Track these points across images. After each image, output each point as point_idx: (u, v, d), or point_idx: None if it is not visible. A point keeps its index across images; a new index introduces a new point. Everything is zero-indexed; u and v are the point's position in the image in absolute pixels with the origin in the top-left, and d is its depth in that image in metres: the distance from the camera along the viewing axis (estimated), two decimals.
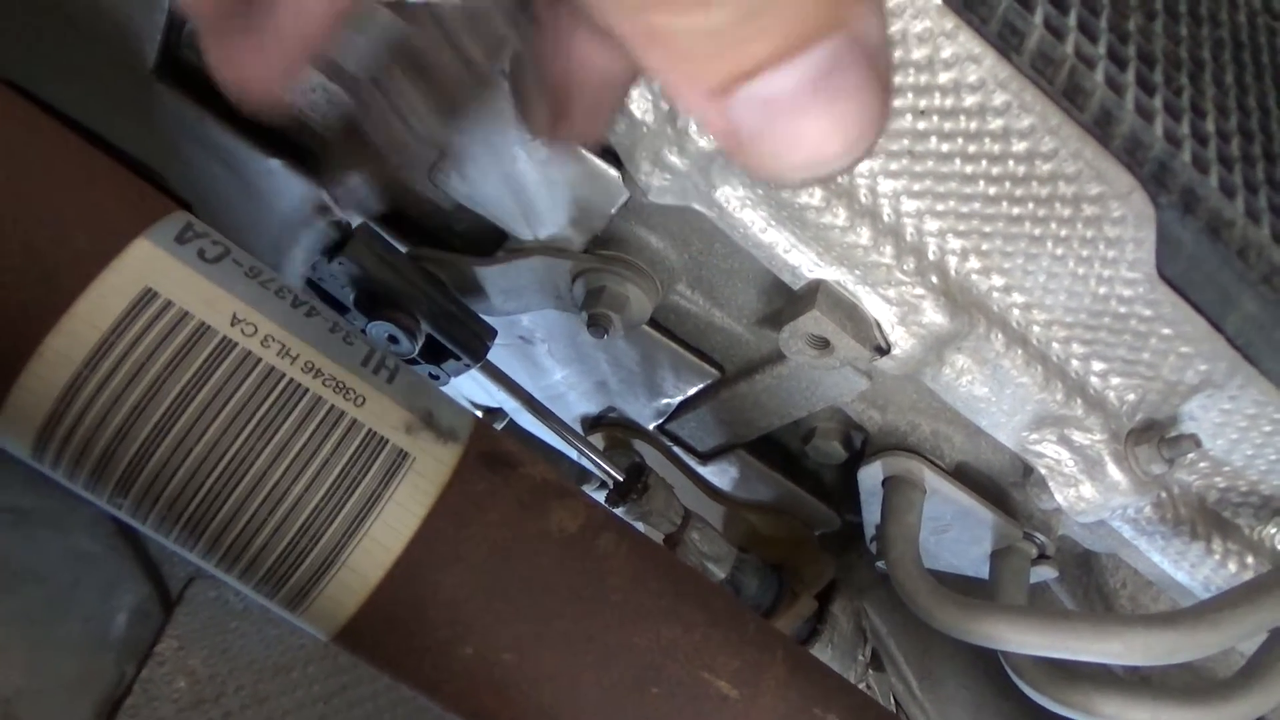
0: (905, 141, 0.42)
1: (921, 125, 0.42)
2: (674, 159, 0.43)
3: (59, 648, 0.46)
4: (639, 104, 0.42)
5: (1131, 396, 0.50)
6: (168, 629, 0.50)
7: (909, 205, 0.44)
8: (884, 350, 0.47)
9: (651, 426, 0.68)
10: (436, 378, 0.56)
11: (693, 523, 0.63)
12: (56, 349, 0.28)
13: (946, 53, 0.40)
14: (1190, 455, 0.50)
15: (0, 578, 0.43)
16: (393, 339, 0.52)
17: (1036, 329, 0.48)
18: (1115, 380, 0.49)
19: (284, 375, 0.30)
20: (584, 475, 0.70)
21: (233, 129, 0.52)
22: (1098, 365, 0.49)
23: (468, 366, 0.55)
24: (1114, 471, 0.50)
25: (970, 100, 0.41)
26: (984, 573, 0.63)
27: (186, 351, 0.29)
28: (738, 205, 0.45)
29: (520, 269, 0.53)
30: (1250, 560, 0.55)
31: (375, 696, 0.55)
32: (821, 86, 0.17)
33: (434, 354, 0.54)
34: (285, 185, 0.53)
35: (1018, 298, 0.47)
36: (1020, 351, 0.48)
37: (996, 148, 0.42)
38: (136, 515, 0.30)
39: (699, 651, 0.34)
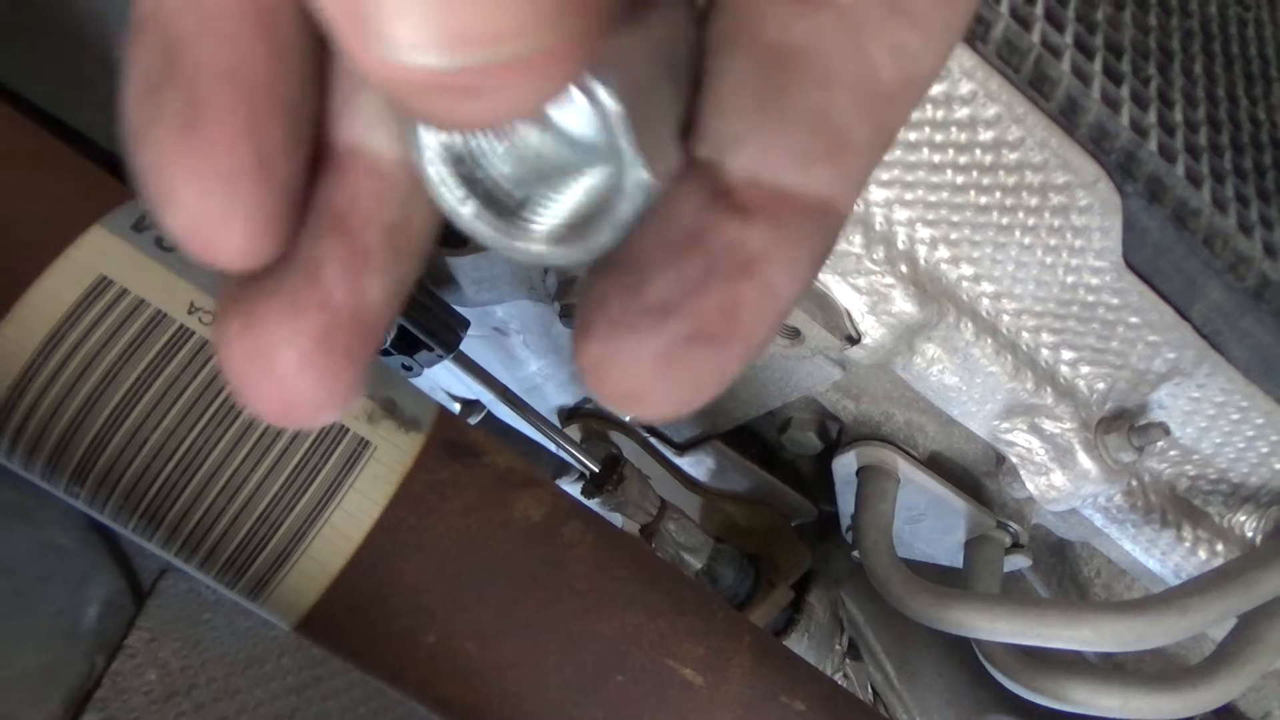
0: None
1: None
2: None
3: (29, 640, 0.46)
4: None
5: (1101, 385, 0.50)
6: (139, 621, 0.50)
7: (878, 195, 0.44)
8: (854, 339, 0.47)
9: (628, 417, 0.68)
10: (409, 369, 0.55)
11: (669, 513, 0.63)
12: (9, 337, 0.28)
13: None
14: (1160, 443, 0.50)
15: None
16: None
17: (1006, 318, 0.48)
18: (1084, 369, 0.50)
19: None
20: (563, 467, 0.70)
21: None
22: (1067, 354, 0.49)
23: (440, 357, 0.55)
24: (1084, 460, 0.51)
25: (936, 90, 0.41)
26: (958, 561, 0.63)
27: (142, 340, 0.29)
28: None
29: (493, 259, 0.53)
30: (1220, 547, 0.55)
31: (350, 688, 0.55)
32: None
33: (406, 345, 0.54)
34: None
35: (987, 287, 0.47)
36: (990, 340, 0.48)
37: (963, 137, 0.42)
38: (93, 504, 0.30)
39: (664, 639, 0.35)
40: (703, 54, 0.17)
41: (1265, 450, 0.52)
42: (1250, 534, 0.56)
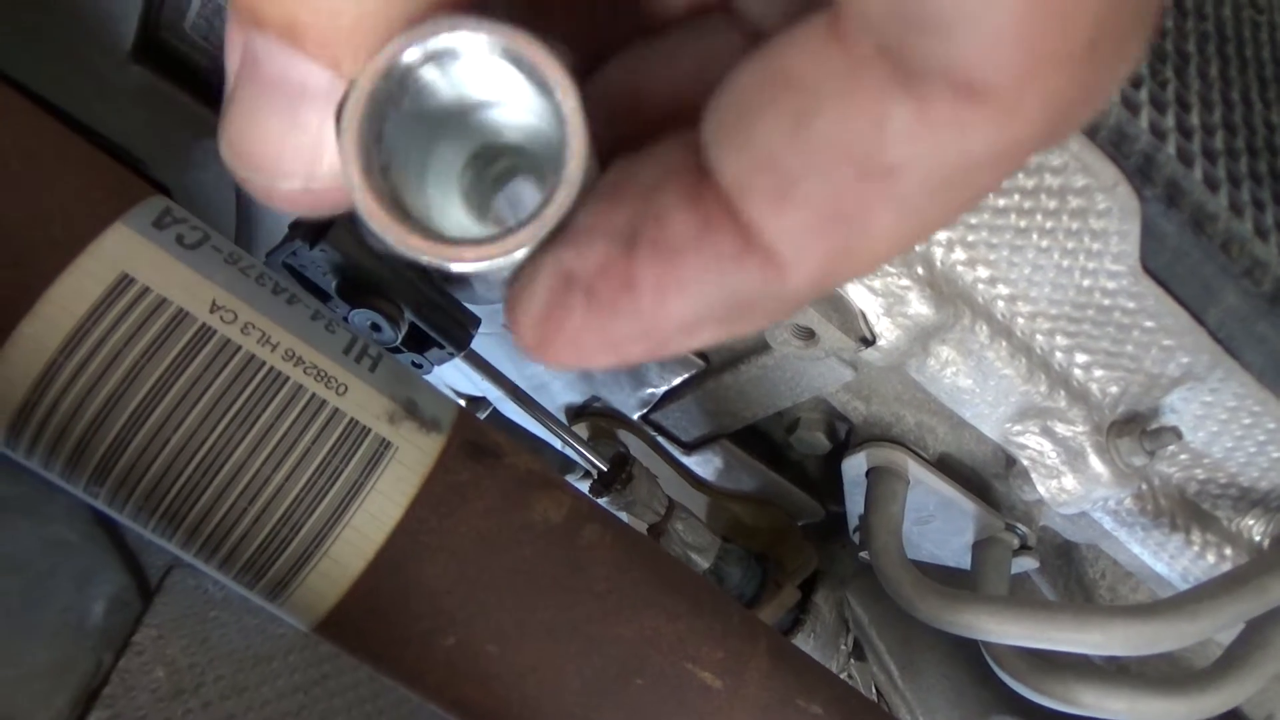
0: None
1: None
2: None
3: (36, 637, 0.46)
4: None
5: (1114, 389, 0.50)
6: (146, 618, 0.49)
7: None
8: (869, 341, 0.47)
9: (636, 416, 0.67)
10: (420, 366, 0.55)
11: (677, 513, 0.63)
12: (31, 335, 0.28)
13: None
14: (1171, 447, 0.50)
15: None
16: (375, 327, 0.51)
17: (1021, 321, 0.48)
18: (1098, 372, 0.49)
19: (264, 363, 0.30)
20: (568, 465, 0.70)
21: (211, 110, 0.52)
22: (1081, 357, 0.49)
23: (451, 355, 0.54)
24: (1096, 463, 0.51)
25: None
26: (966, 563, 0.63)
27: (164, 338, 0.28)
28: None
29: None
30: (1229, 551, 0.55)
31: (356, 686, 0.54)
32: None
33: (417, 342, 0.53)
34: None
35: (1003, 289, 0.47)
36: (1004, 343, 0.48)
37: None
38: (113, 504, 0.30)
39: (683, 642, 0.34)
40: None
41: (1276, 455, 0.52)
42: (1259, 538, 0.56)
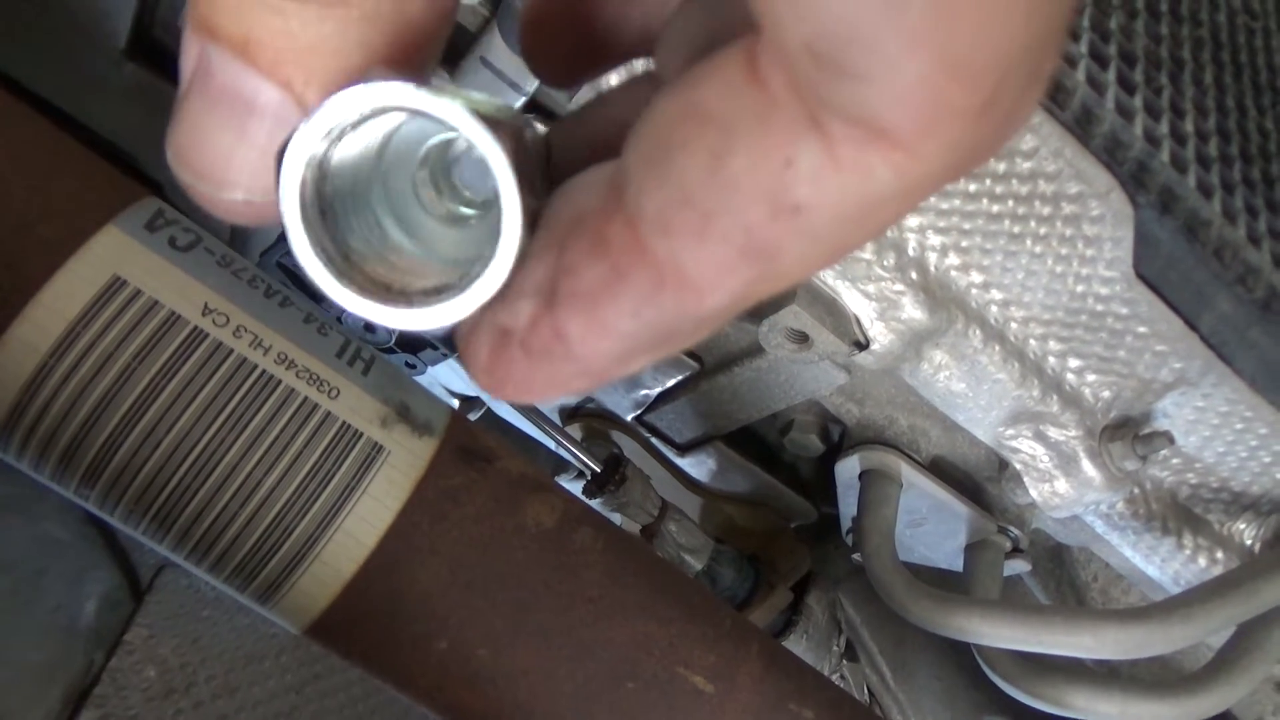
0: None
1: None
2: None
3: (27, 636, 0.45)
4: None
5: (1106, 393, 0.50)
6: (138, 617, 0.49)
7: None
8: (863, 345, 0.47)
9: (630, 417, 0.67)
10: (413, 367, 0.55)
11: (670, 514, 0.63)
12: (21, 337, 0.27)
13: None
14: (1163, 452, 0.51)
15: None
16: (369, 328, 0.51)
17: (1014, 326, 0.48)
18: (1091, 377, 0.50)
19: (256, 366, 0.30)
20: (561, 465, 0.70)
21: None
22: (1074, 362, 0.49)
23: (445, 356, 0.54)
24: (1088, 467, 0.51)
25: None
26: (958, 566, 0.63)
27: (156, 341, 0.28)
28: None
29: None
30: (1220, 555, 0.56)
31: (348, 686, 0.54)
32: None
33: (410, 343, 0.53)
34: None
35: (996, 294, 0.47)
36: (998, 348, 0.48)
37: None
38: (104, 507, 0.30)
39: (675, 646, 0.34)
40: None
41: (1268, 460, 0.52)
42: (1250, 542, 0.56)
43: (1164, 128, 0.46)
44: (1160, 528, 0.55)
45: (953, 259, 0.46)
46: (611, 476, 0.62)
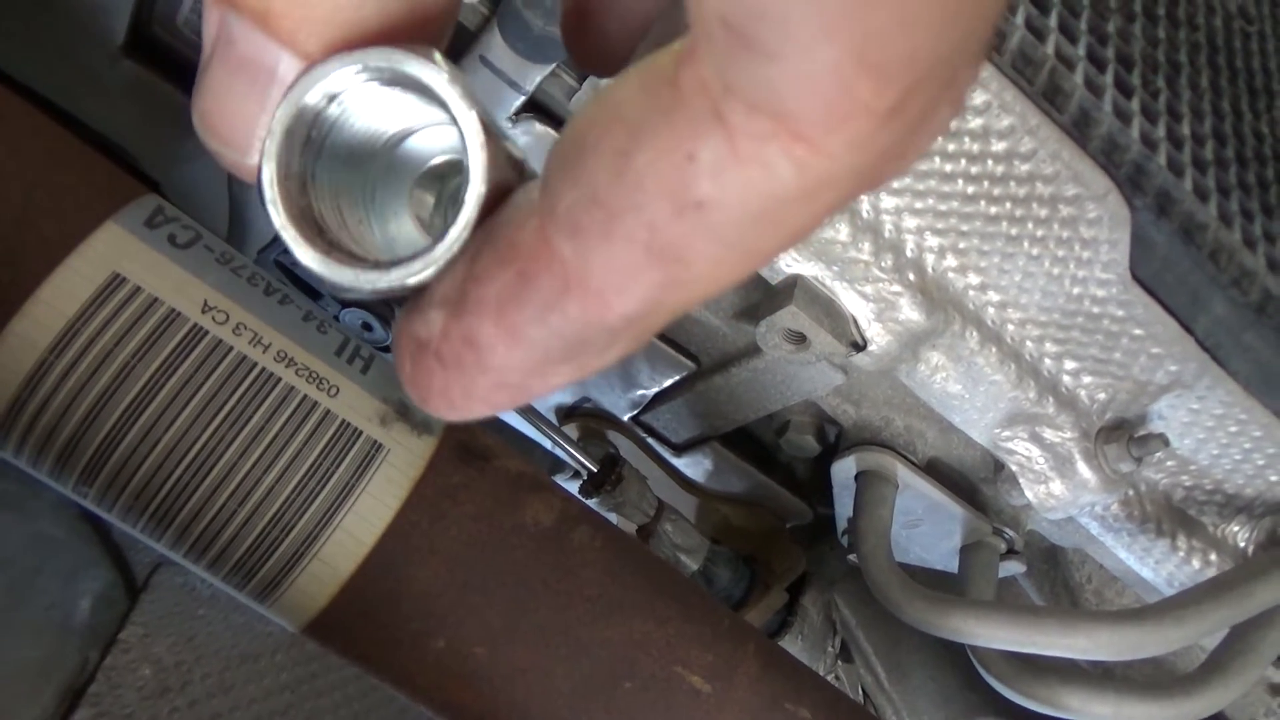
0: None
1: None
2: None
3: (21, 634, 0.45)
4: None
5: (1102, 395, 0.50)
6: (133, 616, 0.49)
7: (888, 203, 0.44)
8: (860, 346, 0.47)
9: (626, 417, 0.67)
10: None
11: (666, 514, 0.63)
12: (21, 334, 0.27)
13: None
14: (1158, 454, 0.51)
15: None
16: (366, 326, 0.51)
17: (1011, 327, 0.48)
18: (1087, 379, 0.50)
19: (256, 364, 0.30)
20: (558, 465, 0.70)
21: None
22: (1070, 364, 0.49)
23: None
24: (1084, 469, 0.51)
25: None
26: (953, 567, 0.63)
27: (155, 338, 0.28)
28: None
29: None
30: (1214, 557, 0.56)
31: (343, 685, 0.54)
32: None
33: None
34: None
35: (993, 296, 0.47)
36: (994, 349, 0.48)
37: (976, 147, 0.42)
38: (102, 504, 0.30)
39: (672, 646, 0.34)
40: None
41: (1261, 463, 0.53)
42: (1243, 544, 0.56)
43: (1161, 131, 0.46)
44: (1154, 530, 0.56)
45: (950, 260, 0.46)
46: (608, 476, 0.62)
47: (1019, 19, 0.42)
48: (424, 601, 0.31)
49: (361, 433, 0.31)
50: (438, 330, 0.19)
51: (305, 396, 0.30)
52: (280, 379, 0.30)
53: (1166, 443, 0.50)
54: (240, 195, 0.56)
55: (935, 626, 0.53)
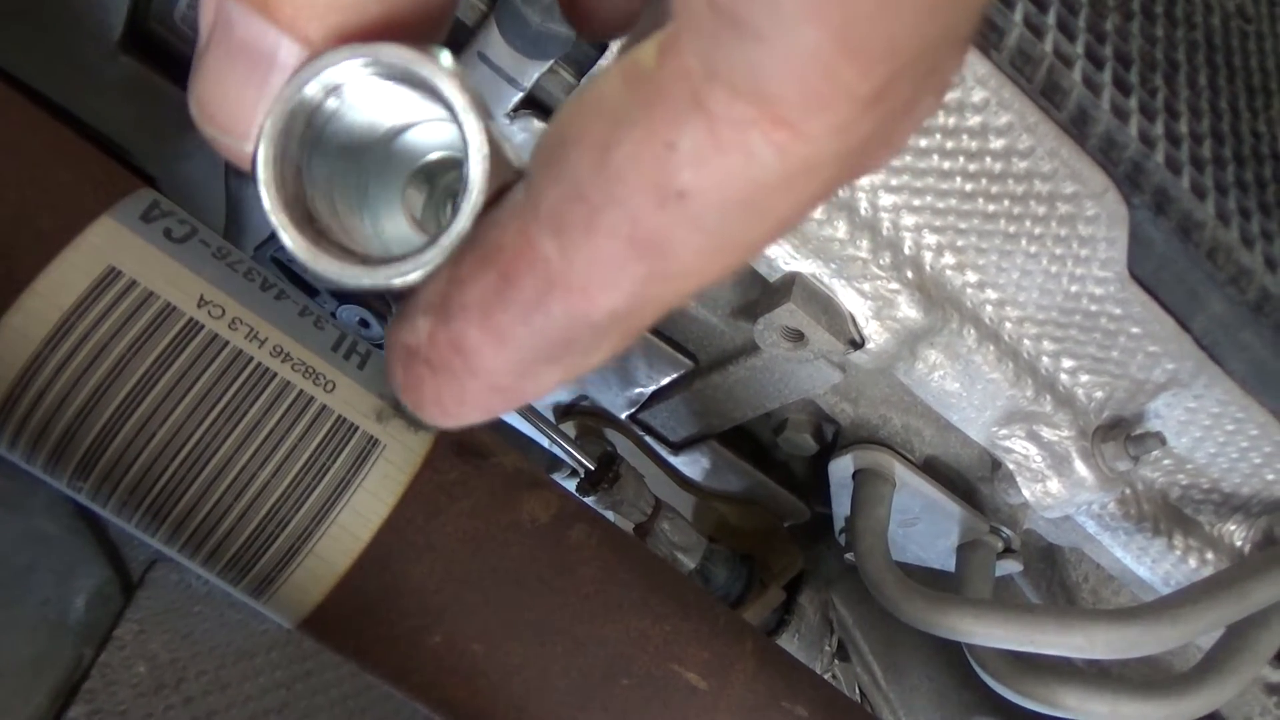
0: None
1: None
2: None
3: (16, 630, 0.45)
4: None
5: (1099, 394, 0.50)
6: (128, 613, 0.49)
7: (886, 200, 0.44)
8: (858, 344, 0.47)
9: (624, 415, 0.67)
10: None
11: (663, 512, 0.63)
12: (15, 327, 0.27)
13: None
14: (1155, 452, 0.51)
15: None
16: (363, 323, 0.51)
17: (1008, 325, 0.48)
18: (1084, 377, 0.50)
19: (252, 359, 0.29)
20: (555, 463, 0.70)
21: None
22: (1067, 362, 0.49)
23: None
24: (1081, 467, 0.51)
25: (949, 97, 0.41)
26: (950, 565, 0.63)
27: (151, 332, 0.28)
28: None
29: None
30: (1210, 556, 0.56)
31: (339, 683, 0.54)
32: None
33: None
34: None
35: (991, 294, 0.47)
36: (992, 348, 0.48)
37: (974, 145, 0.42)
38: (97, 499, 0.30)
39: (669, 643, 0.34)
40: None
41: (1258, 461, 0.53)
42: (1240, 543, 0.56)
43: (1159, 129, 0.46)
44: (1151, 528, 0.56)
45: (948, 258, 0.46)
46: (605, 474, 0.61)
47: (1017, 16, 0.42)
48: (420, 597, 0.31)
49: (358, 428, 0.31)
50: (425, 337, 0.19)
51: (301, 391, 0.30)
52: (276, 374, 0.30)
53: (1163, 441, 0.50)
54: (237, 192, 0.56)
55: (932, 625, 0.53)
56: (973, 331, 0.48)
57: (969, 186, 0.43)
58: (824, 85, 0.15)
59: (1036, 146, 0.42)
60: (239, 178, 0.55)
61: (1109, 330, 0.48)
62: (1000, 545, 0.61)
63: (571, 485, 0.64)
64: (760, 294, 0.50)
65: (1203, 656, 0.54)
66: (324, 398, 0.30)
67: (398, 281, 0.19)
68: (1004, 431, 0.52)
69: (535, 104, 0.46)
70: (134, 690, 0.48)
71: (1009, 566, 0.62)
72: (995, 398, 0.50)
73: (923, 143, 0.42)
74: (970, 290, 0.47)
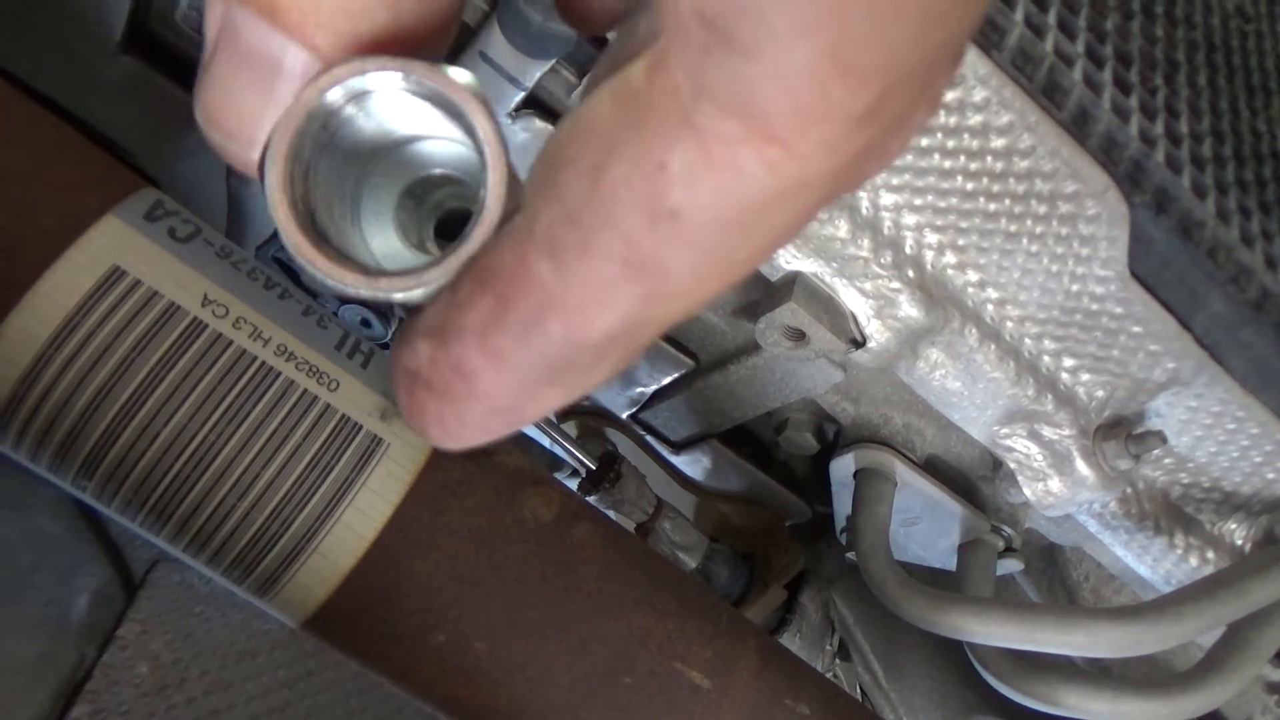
0: None
1: None
2: None
3: (17, 631, 0.45)
4: None
5: (1100, 393, 0.50)
6: (130, 613, 0.49)
7: (887, 199, 0.44)
8: (860, 343, 0.48)
9: (625, 415, 0.67)
10: None
11: (665, 512, 0.63)
12: (19, 327, 0.27)
13: None
14: (1156, 451, 0.51)
15: None
16: (365, 323, 0.51)
17: (1009, 325, 0.48)
18: (1085, 376, 0.50)
19: (256, 358, 0.29)
20: (556, 463, 0.70)
21: None
22: (1068, 361, 0.49)
23: None
24: (1082, 466, 0.51)
25: (950, 97, 0.41)
26: (951, 565, 0.63)
27: (155, 332, 0.28)
28: None
29: None
30: (1211, 555, 0.56)
31: (341, 683, 0.54)
32: None
33: None
34: None
35: (992, 293, 0.47)
36: (993, 347, 0.48)
37: (975, 144, 0.42)
38: (101, 498, 0.30)
39: (672, 642, 0.34)
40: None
41: (1259, 460, 0.53)
42: (1240, 542, 0.57)
43: (1159, 128, 0.46)
44: (1152, 527, 0.56)
45: (949, 257, 0.46)
46: (606, 474, 0.62)
47: (1018, 16, 0.42)
48: (424, 596, 0.31)
49: (362, 427, 0.31)
50: (426, 360, 0.19)
51: (305, 391, 0.30)
52: (280, 373, 0.30)
53: (1164, 440, 0.50)
54: (239, 193, 0.56)
55: (933, 624, 0.53)
56: (974, 331, 0.48)
57: (970, 186, 0.43)
58: (816, 103, 0.14)
59: (1037, 145, 0.42)
60: (240, 178, 0.55)
61: (1110, 329, 0.48)
62: (1001, 544, 0.61)
63: (573, 485, 0.64)
64: (762, 293, 0.50)
65: (1203, 655, 0.54)
66: (328, 397, 0.30)
67: (399, 297, 0.19)
68: (1005, 430, 0.52)
69: (537, 104, 0.46)
70: (136, 690, 0.48)
71: (1010, 565, 0.63)
72: (996, 397, 0.50)
73: (924, 142, 0.42)
74: (971, 289, 0.47)
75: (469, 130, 0.19)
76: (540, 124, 0.46)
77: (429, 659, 0.32)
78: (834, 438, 0.63)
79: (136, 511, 0.30)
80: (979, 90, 0.41)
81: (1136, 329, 0.47)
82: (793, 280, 0.46)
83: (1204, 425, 0.52)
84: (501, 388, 0.19)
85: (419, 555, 0.31)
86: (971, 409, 0.51)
